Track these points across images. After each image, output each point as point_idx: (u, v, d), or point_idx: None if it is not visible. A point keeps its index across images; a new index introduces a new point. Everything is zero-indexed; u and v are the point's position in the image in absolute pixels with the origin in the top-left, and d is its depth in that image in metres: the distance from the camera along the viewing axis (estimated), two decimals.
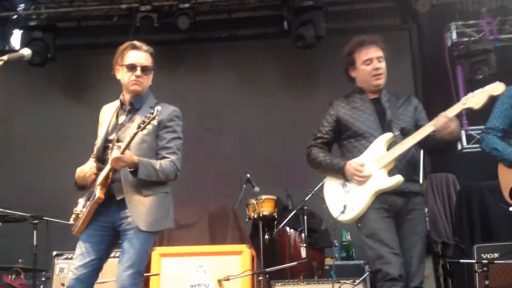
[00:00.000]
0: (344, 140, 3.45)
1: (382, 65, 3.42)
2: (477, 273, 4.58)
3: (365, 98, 3.43)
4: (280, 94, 7.98)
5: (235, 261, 4.78)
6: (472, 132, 7.11)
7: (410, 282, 3.20)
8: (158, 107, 3.10)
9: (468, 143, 7.13)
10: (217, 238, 5.35)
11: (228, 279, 4.64)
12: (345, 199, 3.34)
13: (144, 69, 3.34)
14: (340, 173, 3.36)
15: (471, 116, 7.01)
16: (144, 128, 3.06)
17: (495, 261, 4.44)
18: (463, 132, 7.06)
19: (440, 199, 5.78)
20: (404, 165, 3.29)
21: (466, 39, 7.37)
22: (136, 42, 3.41)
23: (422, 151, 4.54)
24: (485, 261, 4.42)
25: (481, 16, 7.38)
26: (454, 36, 7.44)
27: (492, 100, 3.28)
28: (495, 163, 3.89)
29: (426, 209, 4.80)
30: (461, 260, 4.92)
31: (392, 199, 3.25)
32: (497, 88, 3.16)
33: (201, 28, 7.91)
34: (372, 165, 3.27)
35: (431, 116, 3.34)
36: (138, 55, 3.35)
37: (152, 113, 3.04)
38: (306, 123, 7.69)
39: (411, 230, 3.28)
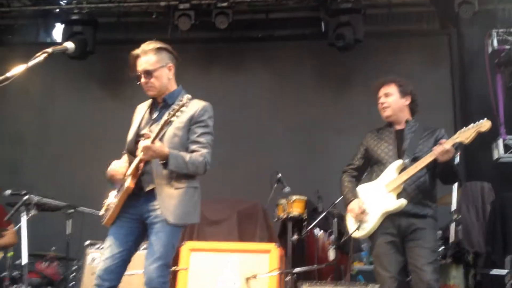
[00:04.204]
0: (371, 165, 3.85)
1: (385, 99, 3.80)
2: (509, 284, 4.49)
3: (391, 130, 3.81)
4: (314, 96, 7.96)
5: (263, 260, 4.81)
6: (510, 142, 6.95)
7: None
8: (188, 96, 3.09)
9: (505, 152, 6.96)
10: (246, 236, 5.36)
11: (256, 277, 4.66)
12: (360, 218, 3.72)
13: (147, 73, 3.34)
14: (345, 207, 3.82)
15: (509, 125, 6.87)
16: (174, 115, 3.05)
17: None
18: (500, 141, 6.91)
19: (473, 208, 5.66)
20: (413, 189, 3.58)
21: (508, 46, 7.20)
22: (135, 51, 3.40)
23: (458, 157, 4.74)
24: None
25: None
26: (495, 43, 7.28)
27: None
28: None
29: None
30: (492, 271, 4.83)
31: (398, 221, 3.57)
32: (484, 124, 3.40)
33: (238, 27, 7.95)
34: (383, 189, 3.62)
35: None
36: (139, 62, 3.36)
37: (181, 101, 3.03)
38: (339, 125, 7.75)
39: (417, 244, 3.51)
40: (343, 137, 7.00)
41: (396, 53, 7.75)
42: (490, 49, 7.32)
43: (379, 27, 8.07)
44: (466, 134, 3.41)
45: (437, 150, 3.41)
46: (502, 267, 4.73)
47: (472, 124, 3.42)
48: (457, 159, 4.80)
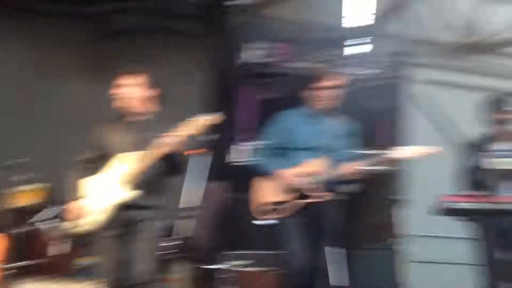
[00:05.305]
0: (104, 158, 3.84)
1: (120, 90, 3.84)
2: (221, 279, 4.90)
3: (122, 121, 3.89)
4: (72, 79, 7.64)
5: None
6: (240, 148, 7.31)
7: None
8: None
9: (237, 157, 7.27)
10: None
11: None
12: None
13: None
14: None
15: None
16: None
17: (244, 269, 4.81)
18: (234, 147, 7.30)
19: (206, 206, 6.03)
20: (140, 180, 3.67)
21: (256, 61, 7.62)
22: None
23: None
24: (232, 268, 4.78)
25: (278, 41, 7.65)
26: (248, 55, 7.67)
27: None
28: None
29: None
30: (213, 266, 5.22)
31: (124, 214, 3.68)
32: (213, 118, 3.68)
33: None
34: (111, 181, 3.68)
35: None
36: None
37: None
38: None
39: (136, 237, 3.69)
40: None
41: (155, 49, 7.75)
42: (240, 61, 7.67)
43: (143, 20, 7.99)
44: (190, 127, 3.58)
45: (161, 141, 3.53)
46: (218, 263, 5.13)
47: (199, 117, 3.62)
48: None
